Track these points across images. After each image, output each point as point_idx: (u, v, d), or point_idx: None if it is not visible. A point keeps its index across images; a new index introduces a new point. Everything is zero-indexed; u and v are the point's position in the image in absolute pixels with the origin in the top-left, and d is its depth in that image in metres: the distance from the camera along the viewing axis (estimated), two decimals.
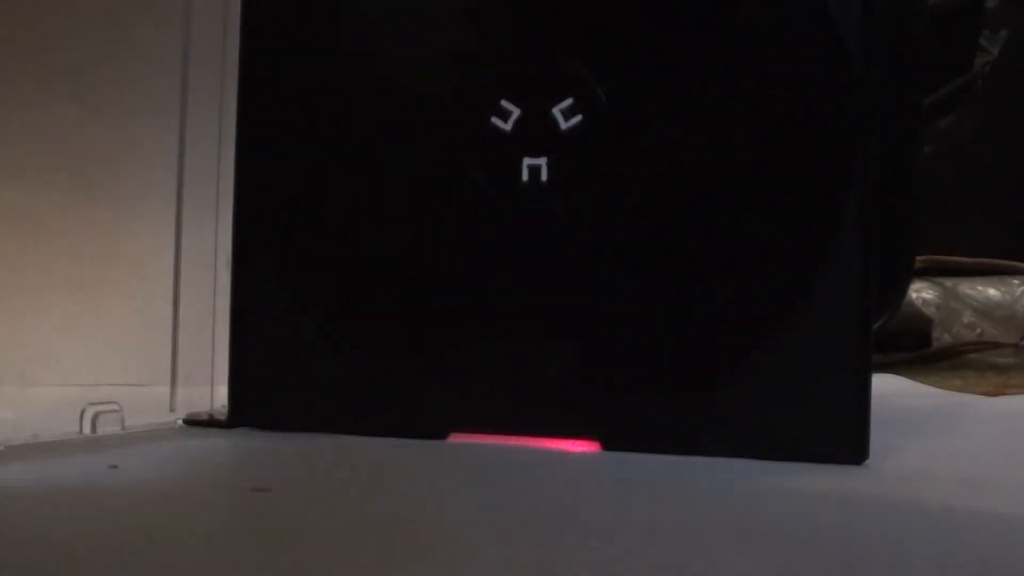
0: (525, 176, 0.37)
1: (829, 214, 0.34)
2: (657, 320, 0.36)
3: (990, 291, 0.83)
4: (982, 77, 0.82)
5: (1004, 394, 0.60)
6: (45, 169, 0.36)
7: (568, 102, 0.36)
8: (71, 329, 0.37)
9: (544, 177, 0.36)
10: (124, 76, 0.39)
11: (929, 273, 0.83)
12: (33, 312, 0.36)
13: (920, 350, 0.79)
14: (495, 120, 0.37)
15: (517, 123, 0.37)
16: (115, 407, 0.35)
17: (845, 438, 0.33)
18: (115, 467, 0.29)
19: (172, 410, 0.39)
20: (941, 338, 0.82)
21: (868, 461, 0.33)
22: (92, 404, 0.35)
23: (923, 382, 0.64)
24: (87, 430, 0.35)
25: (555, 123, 0.36)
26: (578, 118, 0.36)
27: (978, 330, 0.82)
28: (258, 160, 0.39)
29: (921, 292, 0.83)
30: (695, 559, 0.21)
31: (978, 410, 0.52)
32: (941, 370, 0.73)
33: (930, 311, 0.82)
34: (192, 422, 0.39)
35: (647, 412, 0.35)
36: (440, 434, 0.37)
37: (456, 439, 0.37)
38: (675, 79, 0.36)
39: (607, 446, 0.35)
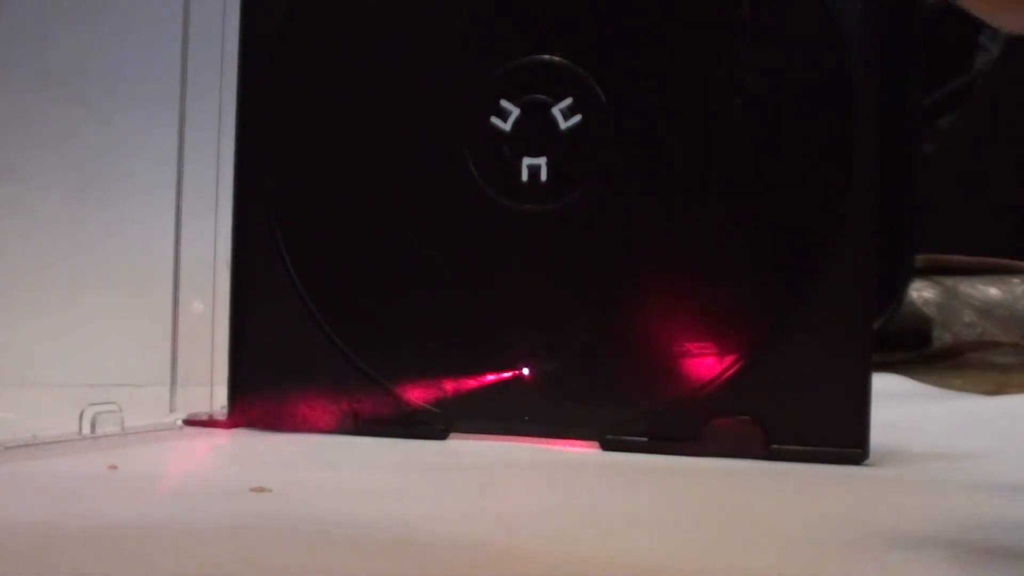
0: (525, 176, 0.37)
1: (829, 214, 0.34)
2: (656, 321, 0.36)
3: (991, 290, 0.83)
4: (982, 77, 0.82)
5: (1005, 393, 0.60)
6: (45, 169, 0.36)
7: (568, 102, 0.36)
8: (71, 329, 0.37)
9: (544, 177, 0.36)
10: (124, 76, 0.39)
11: (929, 272, 0.83)
12: (33, 312, 0.36)
13: (920, 349, 0.79)
14: (495, 120, 0.37)
15: (517, 123, 0.37)
16: (115, 407, 0.35)
17: (846, 438, 0.33)
18: (115, 467, 0.29)
19: (172, 410, 0.39)
20: (941, 337, 0.82)
21: (868, 461, 0.33)
22: (92, 404, 0.35)
23: (923, 381, 0.63)
24: (87, 430, 0.35)
25: (555, 123, 0.36)
26: (578, 118, 0.36)
27: (979, 329, 0.82)
28: (258, 160, 0.39)
29: (921, 291, 0.83)
30: (695, 557, 0.21)
31: (979, 409, 0.52)
32: (941, 369, 0.73)
33: (930, 310, 0.82)
34: (192, 422, 0.39)
35: (647, 413, 0.35)
36: (439, 434, 0.37)
37: (455, 439, 0.37)
38: (675, 79, 0.36)
39: (607, 446, 0.35)
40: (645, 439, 0.35)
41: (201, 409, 0.40)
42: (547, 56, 0.37)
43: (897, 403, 0.51)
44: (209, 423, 0.39)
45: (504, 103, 0.37)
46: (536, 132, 0.36)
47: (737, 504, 0.28)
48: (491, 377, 0.37)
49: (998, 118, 0.83)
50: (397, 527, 0.23)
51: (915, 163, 0.71)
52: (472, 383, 0.37)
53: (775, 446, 0.34)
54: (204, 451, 0.35)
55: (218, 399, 0.40)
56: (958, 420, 0.48)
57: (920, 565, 0.21)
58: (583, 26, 0.37)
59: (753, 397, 0.34)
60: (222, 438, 0.37)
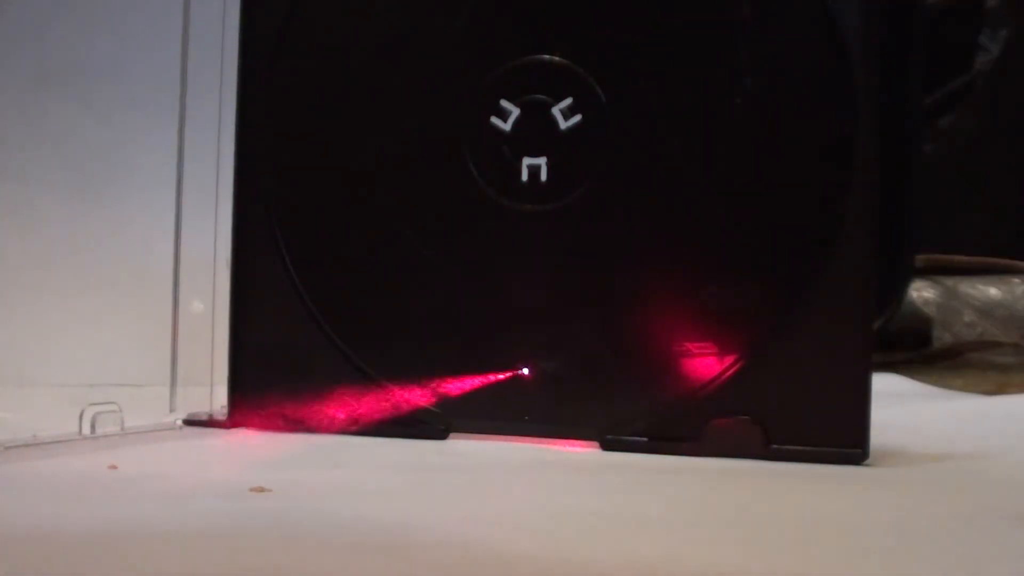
0: (525, 176, 0.37)
1: (829, 214, 0.34)
2: (656, 321, 0.36)
3: (991, 290, 0.83)
4: (982, 77, 0.82)
5: (1005, 393, 0.60)
6: (45, 169, 0.36)
7: (568, 102, 0.36)
8: (71, 329, 0.37)
9: (544, 177, 0.36)
10: (124, 76, 0.39)
11: (929, 272, 0.83)
12: (33, 312, 0.36)
13: (920, 349, 0.79)
14: (495, 120, 0.37)
15: (517, 123, 0.37)
16: (115, 407, 0.35)
17: (846, 438, 0.33)
18: (115, 467, 0.29)
19: (172, 410, 0.39)
20: (941, 337, 0.81)
21: (868, 461, 0.33)
22: (92, 404, 0.35)
23: (923, 382, 0.63)
24: (87, 430, 0.35)
25: (555, 123, 0.36)
26: (578, 118, 0.36)
27: (978, 329, 0.82)
28: (258, 160, 0.39)
29: (921, 291, 0.83)
30: (695, 557, 0.21)
31: (979, 409, 0.52)
32: (941, 369, 0.73)
33: (930, 310, 0.82)
34: (192, 422, 0.39)
35: (647, 413, 0.35)
36: (439, 434, 0.37)
37: (455, 439, 0.37)
38: (675, 79, 0.36)
39: (607, 446, 0.35)
40: (645, 439, 0.35)
41: (201, 409, 0.40)
42: (547, 56, 0.37)
43: (897, 403, 0.51)
44: (209, 423, 0.39)
45: (504, 103, 0.37)
46: (536, 132, 0.36)
47: (737, 504, 0.28)
48: (491, 377, 0.37)
49: (998, 118, 0.83)
50: (397, 527, 0.23)
51: (915, 163, 0.71)
52: (472, 383, 0.37)
53: (775, 446, 0.34)
54: (204, 451, 0.35)
55: (218, 399, 0.40)
56: (958, 420, 0.48)
57: (920, 565, 0.21)
58: (583, 26, 0.37)
59: (753, 397, 0.34)
60: (222, 438, 0.37)
